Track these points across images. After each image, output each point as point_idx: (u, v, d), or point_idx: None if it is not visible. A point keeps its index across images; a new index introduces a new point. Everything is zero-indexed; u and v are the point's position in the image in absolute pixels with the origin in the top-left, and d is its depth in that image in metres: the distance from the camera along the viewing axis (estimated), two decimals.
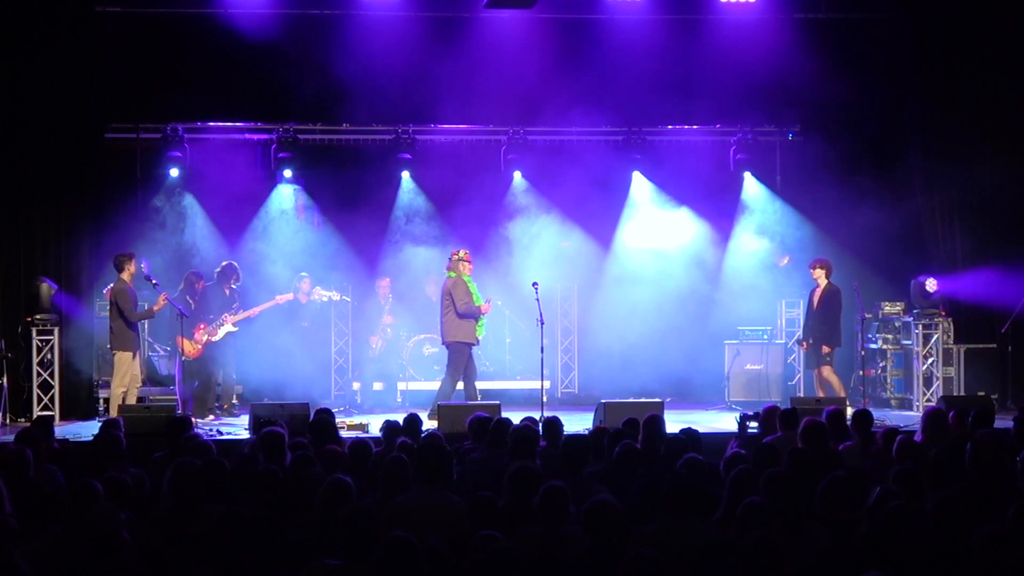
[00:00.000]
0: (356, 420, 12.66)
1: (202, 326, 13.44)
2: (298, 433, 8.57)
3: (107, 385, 13.37)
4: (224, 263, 14.00)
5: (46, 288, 13.48)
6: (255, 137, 15.46)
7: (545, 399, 13.04)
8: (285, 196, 15.64)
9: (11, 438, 8.33)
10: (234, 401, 13.92)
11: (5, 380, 13.36)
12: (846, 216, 14.65)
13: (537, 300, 12.78)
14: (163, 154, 14.78)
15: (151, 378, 14.08)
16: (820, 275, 13.73)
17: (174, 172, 14.89)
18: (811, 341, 13.75)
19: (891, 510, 5.29)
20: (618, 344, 15.37)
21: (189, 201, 15.19)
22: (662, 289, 15.33)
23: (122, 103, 14.38)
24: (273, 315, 14.09)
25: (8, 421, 13.25)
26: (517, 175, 15.74)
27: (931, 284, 14.28)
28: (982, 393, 13.69)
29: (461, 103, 14.94)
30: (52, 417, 12.56)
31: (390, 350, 15.20)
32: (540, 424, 9.38)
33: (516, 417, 9.19)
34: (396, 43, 14.40)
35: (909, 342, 14.59)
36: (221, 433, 11.90)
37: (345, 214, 15.41)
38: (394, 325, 15.27)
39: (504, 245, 15.28)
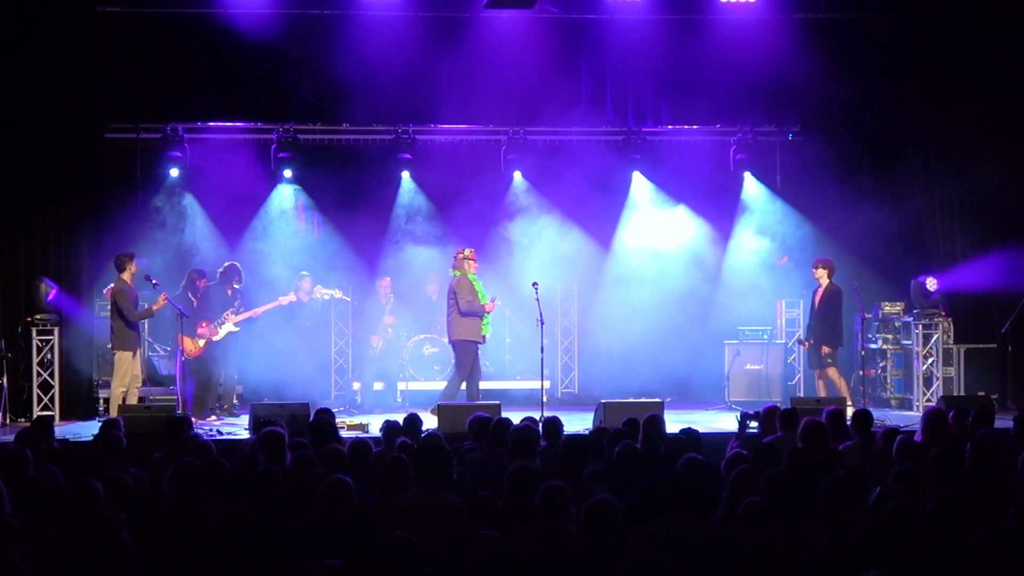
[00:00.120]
0: (356, 420, 12.67)
1: (204, 324, 13.45)
2: (298, 433, 8.57)
3: (107, 385, 13.37)
4: (226, 264, 14.00)
5: (43, 288, 13.48)
6: (255, 137, 15.44)
7: (545, 399, 13.04)
8: (285, 196, 15.65)
9: (11, 438, 8.33)
10: (234, 401, 13.92)
11: (5, 380, 13.36)
12: (846, 216, 14.65)
13: (537, 300, 12.78)
14: (163, 154, 14.78)
15: (151, 378, 14.08)
16: (822, 275, 13.73)
17: (174, 172, 14.89)
18: (812, 341, 13.75)
19: (891, 510, 5.29)
20: (618, 344, 15.37)
21: (189, 201, 15.19)
22: (662, 289, 15.34)
23: (122, 103, 14.37)
24: (274, 315, 14.09)
25: (8, 421, 13.25)
26: (517, 175, 15.74)
27: (931, 283, 14.29)
28: (982, 393, 13.68)
29: (461, 103, 14.93)
30: (52, 417, 12.56)
31: (390, 350, 15.20)
32: (540, 424, 9.37)
33: (516, 417, 9.19)
34: (396, 43, 14.39)
35: (909, 342, 14.59)
36: (221, 433, 11.90)
37: (345, 214, 15.41)
38: (394, 325, 15.27)
39: (504, 245, 15.28)
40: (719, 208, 15.91)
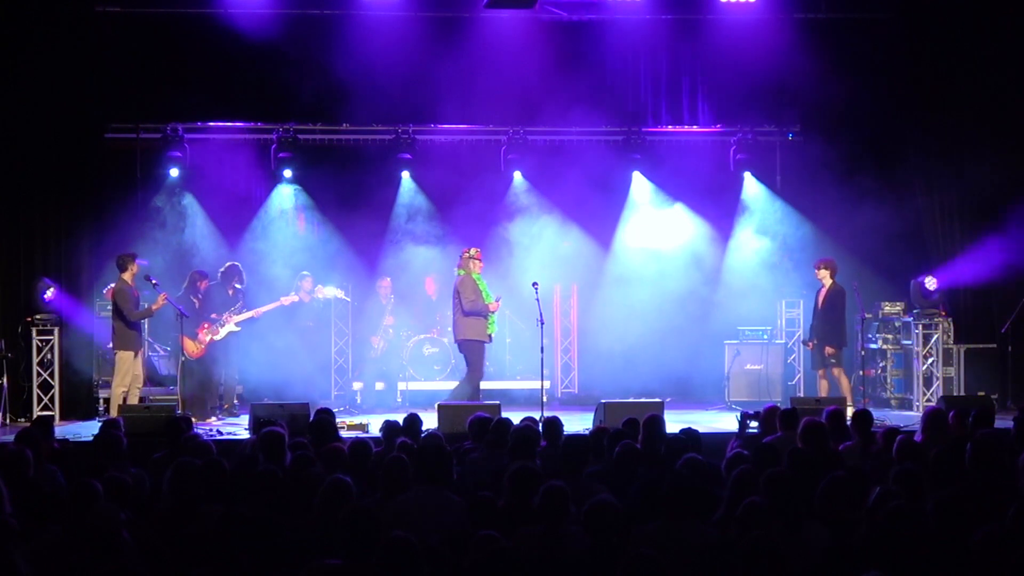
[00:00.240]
0: (356, 420, 12.67)
1: (205, 325, 13.45)
2: (298, 433, 8.57)
3: (107, 385, 13.37)
4: (228, 264, 14.00)
5: (43, 288, 13.49)
6: (255, 137, 15.44)
7: (545, 399, 13.04)
8: (285, 196, 15.64)
9: (11, 438, 8.33)
10: (235, 401, 13.92)
11: (5, 380, 13.37)
12: (846, 216, 14.65)
13: (537, 300, 12.78)
14: (163, 154, 14.77)
15: (151, 378, 14.08)
16: (825, 275, 13.73)
17: (174, 172, 14.88)
18: (816, 341, 13.75)
19: (891, 510, 5.29)
20: (618, 344, 15.35)
21: (189, 201, 15.18)
22: (662, 289, 15.33)
23: (122, 103, 14.37)
24: (275, 315, 14.09)
25: (8, 421, 13.26)
26: (517, 175, 15.74)
27: (930, 282, 14.30)
28: (982, 393, 13.68)
29: (461, 103, 14.93)
30: (52, 417, 12.56)
31: (391, 350, 15.21)
32: (540, 424, 9.37)
33: (516, 417, 9.19)
34: (396, 43, 14.39)
35: (909, 342, 14.59)
36: (221, 433, 11.90)
37: (345, 214, 15.41)
38: (394, 325, 15.27)
39: (504, 245, 15.27)
40: (719, 208, 15.91)
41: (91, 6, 13.96)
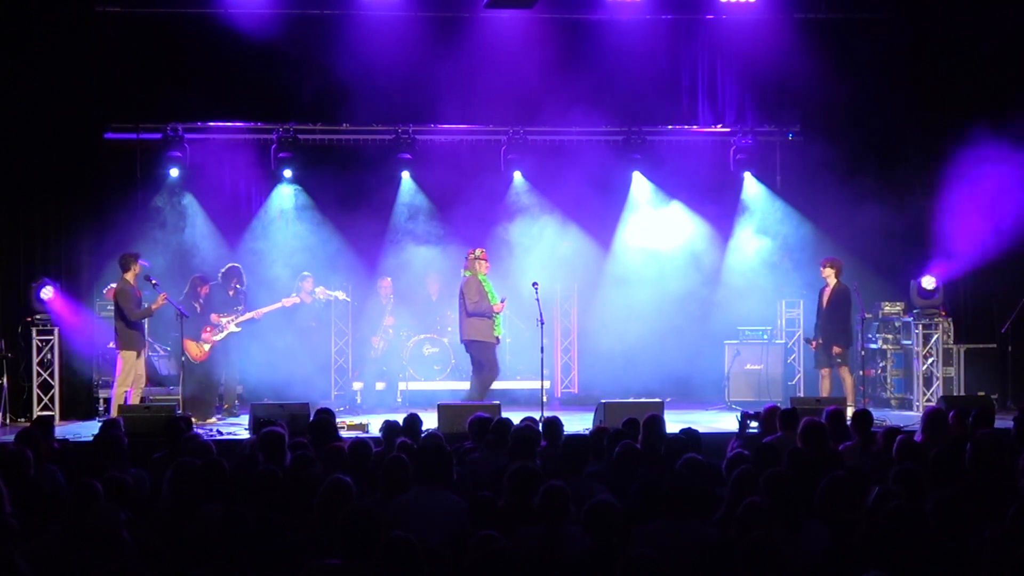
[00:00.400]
0: (356, 420, 12.67)
1: (208, 329, 13.46)
2: (298, 433, 8.57)
3: (107, 385, 13.38)
4: (228, 265, 14.00)
5: (41, 288, 13.50)
6: (255, 137, 15.43)
7: (545, 399, 13.04)
8: (285, 196, 15.63)
9: (11, 438, 8.32)
10: (235, 401, 13.92)
11: (5, 380, 13.38)
12: (846, 216, 14.65)
13: (537, 300, 12.77)
14: (163, 154, 14.75)
15: (151, 378, 14.07)
16: (830, 274, 13.71)
17: (174, 172, 14.87)
18: (821, 340, 13.74)
19: (891, 510, 5.29)
20: (618, 344, 15.34)
21: (189, 201, 15.17)
22: (662, 289, 15.33)
23: (122, 103, 14.38)
24: (275, 315, 14.08)
25: (8, 421, 13.27)
26: (517, 175, 15.74)
27: (927, 281, 14.31)
28: (982, 393, 13.69)
29: (461, 103, 14.94)
30: (52, 417, 12.55)
31: (391, 350, 15.21)
32: (540, 424, 9.37)
33: (516, 417, 9.19)
34: (396, 43, 14.40)
35: (909, 342, 14.59)
36: (221, 433, 11.90)
37: (345, 214, 15.40)
38: (394, 325, 15.27)
39: (504, 245, 15.26)
40: (719, 208, 15.90)
41: (91, 6, 13.97)
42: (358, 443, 7.75)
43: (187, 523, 6.02)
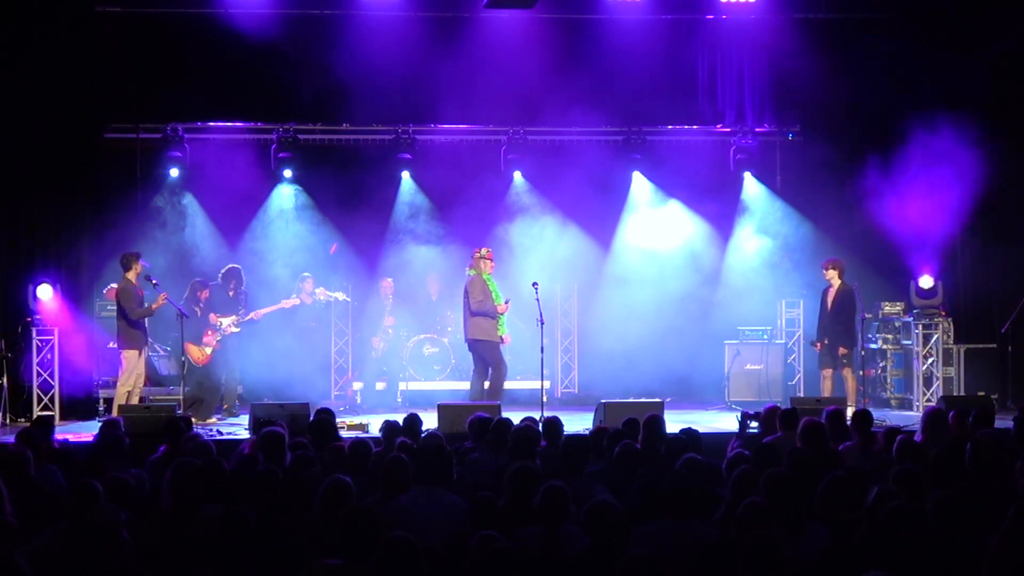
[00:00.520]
0: (356, 420, 12.67)
1: (210, 332, 13.46)
2: (298, 433, 8.56)
3: (107, 385, 13.39)
4: (227, 266, 14.00)
5: (41, 288, 13.50)
6: (255, 137, 15.43)
7: (545, 399, 13.04)
8: (285, 196, 15.63)
9: (11, 438, 8.33)
10: (235, 401, 13.92)
11: (5, 380, 13.37)
12: (846, 216, 14.65)
13: (537, 300, 12.77)
14: (163, 154, 14.76)
15: (151, 378, 14.08)
16: (833, 275, 13.71)
17: (174, 172, 14.88)
18: (826, 341, 13.73)
19: (891, 510, 5.29)
20: (618, 344, 15.34)
21: (189, 201, 15.17)
22: (662, 289, 15.33)
23: (122, 103, 14.36)
24: (275, 315, 14.10)
25: (8, 421, 13.27)
26: (517, 175, 15.74)
27: (925, 280, 14.31)
28: (982, 393, 13.70)
29: (461, 103, 14.92)
30: (52, 417, 12.55)
31: (391, 350, 15.21)
32: (540, 424, 9.37)
33: (516, 417, 9.18)
34: (396, 43, 14.39)
35: (909, 342, 14.59)
36: (221, 433, 11.90)
37: (345, 214, 15.40)
38: (395, 325, 15.27)
39: (504, 245, 15.25)
40: (719, 208, 15.90)
41: (91, 6, 13.96)
42: (358, 443, 7.75)
43: (187, 523, 6.02)
